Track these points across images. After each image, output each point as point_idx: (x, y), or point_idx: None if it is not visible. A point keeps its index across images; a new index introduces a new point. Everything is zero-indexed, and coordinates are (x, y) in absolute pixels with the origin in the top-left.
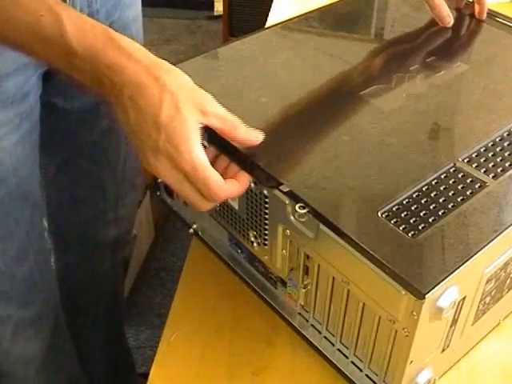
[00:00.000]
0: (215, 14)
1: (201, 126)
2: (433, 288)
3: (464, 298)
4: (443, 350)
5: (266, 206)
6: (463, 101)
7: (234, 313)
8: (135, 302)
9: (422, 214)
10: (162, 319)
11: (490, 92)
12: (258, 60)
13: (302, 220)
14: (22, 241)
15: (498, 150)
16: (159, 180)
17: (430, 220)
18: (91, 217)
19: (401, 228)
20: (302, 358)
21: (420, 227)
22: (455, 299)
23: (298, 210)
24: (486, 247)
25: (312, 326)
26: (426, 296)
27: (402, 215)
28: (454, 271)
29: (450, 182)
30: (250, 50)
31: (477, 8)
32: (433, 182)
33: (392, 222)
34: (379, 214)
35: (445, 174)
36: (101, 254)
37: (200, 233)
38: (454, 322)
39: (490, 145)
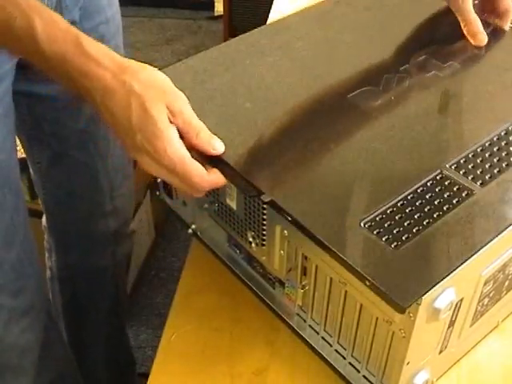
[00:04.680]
0: (216, 14)
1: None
2: (428, 290)
3: (461, 300)
4: (441, 352)
5: (264, 206)
6: (453, 104)
7: (234, 312)
8: (135, 301)
9: (405, 224)
10: (162, 319)
11: (481, 94)
12: (244, 63)
13: None
14: (7, 227)
15: (486, 155)
16: (158, 180)
17: (414, 230)
18: (89, 211)
19: (383, 239)
20: (302, 358)
21: (403, 238)
22: (452, 300)
23: None
24: (481, 251)
25: (310, 326)
26: (423, 297)
27: (385, 225)
28: (442, 279)
29: (437, 189)
30: (236, 53)
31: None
32: (418, 190)
33: (374, 232)
34: (361, 224)
35: (431, 182)
36: (102, 249)
37: (199, 233)
38: (452, 323)
39: (478, 150)
